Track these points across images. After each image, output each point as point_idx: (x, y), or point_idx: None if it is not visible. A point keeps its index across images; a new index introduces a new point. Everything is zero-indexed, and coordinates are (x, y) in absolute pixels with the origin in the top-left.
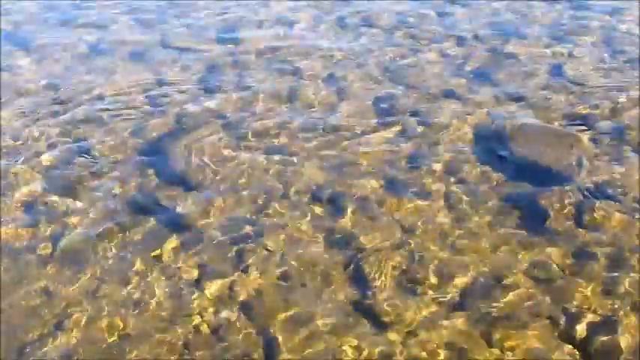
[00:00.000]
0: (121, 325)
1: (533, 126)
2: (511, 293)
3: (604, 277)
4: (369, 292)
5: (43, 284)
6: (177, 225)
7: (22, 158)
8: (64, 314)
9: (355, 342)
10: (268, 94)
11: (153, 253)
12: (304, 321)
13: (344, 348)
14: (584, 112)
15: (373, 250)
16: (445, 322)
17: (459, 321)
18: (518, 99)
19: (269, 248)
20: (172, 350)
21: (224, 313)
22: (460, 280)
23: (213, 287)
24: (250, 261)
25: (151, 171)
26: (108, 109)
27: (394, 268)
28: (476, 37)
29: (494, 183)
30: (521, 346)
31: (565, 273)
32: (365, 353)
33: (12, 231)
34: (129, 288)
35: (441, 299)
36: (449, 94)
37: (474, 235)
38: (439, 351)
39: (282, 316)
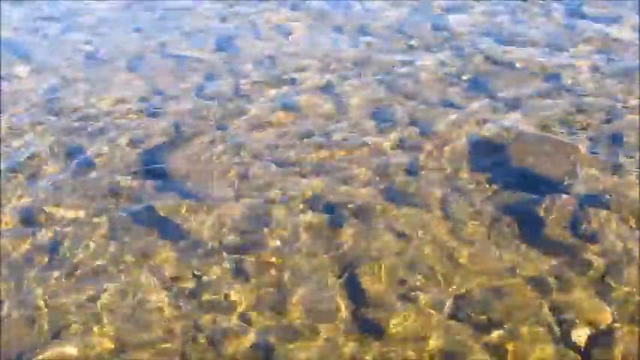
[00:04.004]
0: (118, 335)
1: (530, 135)
2: (508, 302)
3: (601, 287)
4: (366, 301)
5: (40, 293)
6: (175, 234)
7: (20, 167)
8: (60, 324)
9: (352, 350)
10: (266, 102)
11: (151, 263)
12: (301, 330)
13: (341, 357)
14: (581, 121)
15: (370, 258)
16: (442, 331)
17: (456, 330)
18: (515, 108)
19: (267, 257)
20: None
21: (222, 323)
22: (457, 289)
23: (210, 297)
24: (248, 270)
25: (148, 180)
26: (106, 118)
27: (391, 276)
28: (473, 45)
29: (491, 192)
30: (518, 355)
31: (562, 282)
32: None
33: (10, 240)
34: (126, 297)
35: (438, 308)
36: (446, 103)
37: (471, 243)
38: None
39: (279, 325)
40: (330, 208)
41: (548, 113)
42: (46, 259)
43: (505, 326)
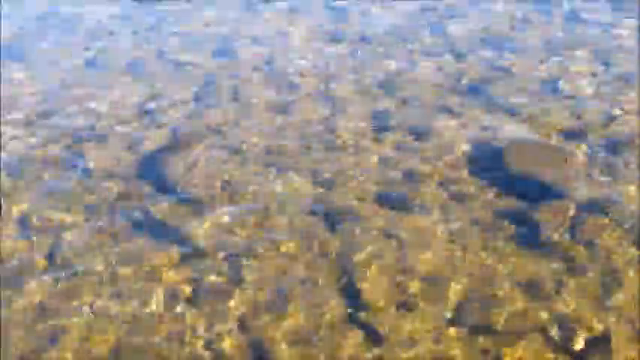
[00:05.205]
0: (115, 340)
1: (527, 141)
2: (506, 308)
3: (598, 292)
4: (364, 307)
5: (38, 298)
6: (173, 239)
7: (18, 172)
8: (58, 329)
9: (351, 355)
10: (264, 108)
11: (148, 268)
12: (298, 336)
13: None
14: (578, 126)
15: (368, 264)
16: (440, 337)
17: (454, 335)
18: (512, 113)
19: (263, 263)
20: None
21: (218, 328)
22: (455, 295)
23: (207, 302)
24: (245, 276)
25: (146, 185)
26: (104, 123)
27: (389, 282)
28: (471, 51)
29: (489, 197)
30: None
31: (559, 288)
32: None
33: (7, 245)
34: (124, 303)
35: (435, 313)
36: (444, 109)
37: (469, 249)
38: None
39: (276, 331)
40: (328, 212)
41: (546, 119)
42: (45, 264)
43: (503, 332)
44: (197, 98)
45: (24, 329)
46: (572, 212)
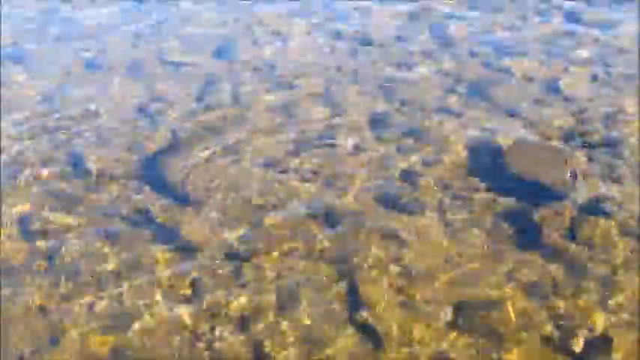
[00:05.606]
0: (115, 340)
1: (527, 142)
2: (506, 309)
3: (598, 293)
4: (365, 308)
5: (38, 299)
6: (173, 240)
7: (18, 173)
8: (58, 329)
9: (350, 357)
10: (264, 108)
11: (147, 269)
12: (299, 337)
13: None
14: (578, 127)
15: (368, 265)
16: (440, 339)
17: (455, 337)
18: (512, 114)
19: (263, 264)
20: None
21: (219, 329)
22: (455, 296)
23: (208, 303)
24: (245, 277)
25: (146, 186)
26: (104, 124)
27: (389, 283)
28: (471, 52)
29: (489, 198)
30: None
31: (559, 288)
32: None
33: (8, 246)
34: (123, 304)
35: (436, 315)
36: (444, 110)
37: (469, 250)
38: None
39: (276, 332)
40: (328, 213)
41: (546, 120)
42: (45, 265)
43: (503, 333)
44: (197, 98)
45: (24, 329)
46: (572, 212)
